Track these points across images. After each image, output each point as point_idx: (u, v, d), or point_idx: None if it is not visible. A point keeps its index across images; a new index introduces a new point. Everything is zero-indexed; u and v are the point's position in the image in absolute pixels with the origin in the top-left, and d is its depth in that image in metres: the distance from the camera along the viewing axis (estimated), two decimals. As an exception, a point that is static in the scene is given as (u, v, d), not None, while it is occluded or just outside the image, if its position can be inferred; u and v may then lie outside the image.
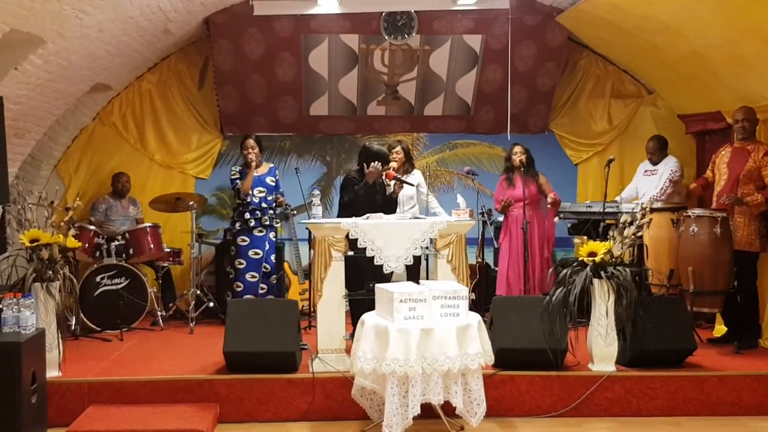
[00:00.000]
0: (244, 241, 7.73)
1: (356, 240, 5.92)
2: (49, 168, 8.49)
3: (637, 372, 5.91)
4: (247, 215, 7.71)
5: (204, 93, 9.04)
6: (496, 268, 8.16)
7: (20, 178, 7.49)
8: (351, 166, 9.23)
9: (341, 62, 8.70)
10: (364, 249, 5.91)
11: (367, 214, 6.18)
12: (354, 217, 6.16)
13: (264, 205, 7.75)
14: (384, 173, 7.00)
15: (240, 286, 7.69)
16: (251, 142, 7.75)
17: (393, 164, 7.31)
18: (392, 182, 7.00)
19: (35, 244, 5.87)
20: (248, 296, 7.59)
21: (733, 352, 6.59)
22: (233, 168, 7.93)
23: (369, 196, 6.93)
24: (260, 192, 7.75)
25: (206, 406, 5.58)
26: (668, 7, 6.80)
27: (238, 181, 7.70)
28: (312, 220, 6.29)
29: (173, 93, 8.98)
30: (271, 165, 8.10)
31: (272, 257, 7.84)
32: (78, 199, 6.77)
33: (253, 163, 7.68)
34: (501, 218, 8.19)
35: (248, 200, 7.69)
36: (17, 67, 6.10)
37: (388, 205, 6.93)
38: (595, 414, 5.78)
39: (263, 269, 7.73)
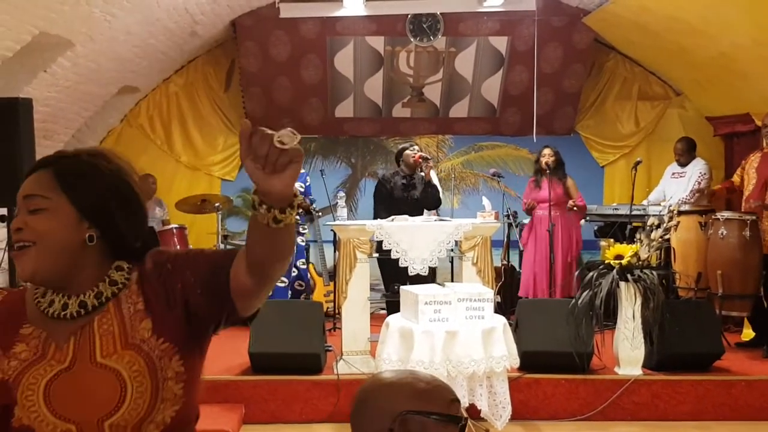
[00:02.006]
0: None
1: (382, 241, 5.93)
2: (77, 169, 8.56)
3: (664, 376, 5.86)
4: None
5: (230, 95, 9.09)
6: (521, 270, 8.14)
7: (49, 179, 7.55)
8: (376, 168, 9.25)
9: (366, 64, 8.71)
10: (389, 251, 5.92)
11: (392, 216, 6.19)
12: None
13: None
14: (412, 158, 7.19)
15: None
16: None
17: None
18: (422, 163, 7.12)
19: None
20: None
21: (762, 356, 6.51)
22: None
23: (401, 199, 7.00)
24: None
25: (232, 406, 5.60)
26: (695, 9, 6.75)
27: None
28: (337, 222, 6.30)
29: (200, 95, 9.03)
30: (303, 170, 8.14)
31: (299, 262, 7.90)
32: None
33: None
34: (527, 220, 8.16)
35: None
36: (46, 70, 6.17)
37: (420, 201, 7.04)
38: (621, 418, 5.74)
39: (291, 273, 7.81)
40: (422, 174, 7.25)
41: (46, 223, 1.62)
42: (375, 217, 7.03)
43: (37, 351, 1.62)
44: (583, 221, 7.93)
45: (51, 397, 1.57)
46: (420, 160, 7.14)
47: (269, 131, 1.40)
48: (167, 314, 1.64)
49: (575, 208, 7.72)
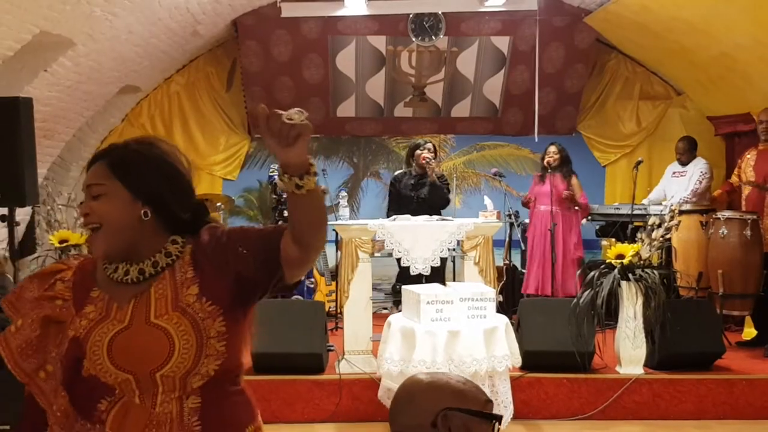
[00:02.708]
0: None
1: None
2: (79, 169, 8.55)
3: (666, 375, 5.87)
4: (286, 213, 7.73)
5: (232, 94, 9.08)
6: (524, 270, 8.13)
7: (50, 179, 7.56)
8: (378, 167, 9.24)
9: (368, 64, 8.71)
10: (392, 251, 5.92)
11: (395, 216, 6.19)
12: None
13: None
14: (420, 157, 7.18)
15: None
16: None
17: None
18: (425, 163, 7.13)
19: (64, 244, 5.93)
20: (297, 297, 7.63)
21: (763, 355, 6.52)
22: (272, 166, 7.97)
23: (409, 199, 7.02)
24: None
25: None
26: (697, 9, 6.75)
27: (276, 177, 7.73)
28: (339, 222, 6.30)
29: (201, 94, 9.03)
30: None
31: None
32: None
33: None
34: (528, 220, 8.16)
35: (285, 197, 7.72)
36: (47, 69, 6.16)
37: (427, 201, 7.06)
38: (623, 417, 5.75)
39: None
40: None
41: (106, 206, 1.94)
42: (387, 217, 7.05)
43: (102, 311, 1.92)
44: (584, 221, 7.92)
45: (113, 351, 1.86)
46: (424, 161, 7.13)
47: (280, 111, 1.70)
48: (216, 280, 1.93)
49: (576, 208, 7.70)
